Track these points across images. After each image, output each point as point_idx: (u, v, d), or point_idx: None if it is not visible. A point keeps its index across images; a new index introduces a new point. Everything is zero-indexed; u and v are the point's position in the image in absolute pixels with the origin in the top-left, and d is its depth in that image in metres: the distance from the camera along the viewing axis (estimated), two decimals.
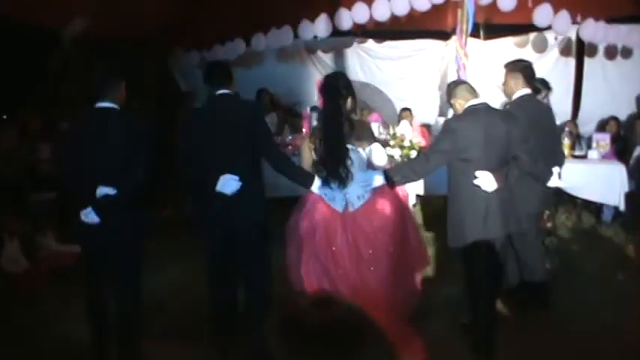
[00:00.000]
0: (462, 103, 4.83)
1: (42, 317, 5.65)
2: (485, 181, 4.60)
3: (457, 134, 4.65)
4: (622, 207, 8.25)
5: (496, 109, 4.94)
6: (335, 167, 4.69)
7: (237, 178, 4.66)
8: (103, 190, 4.36)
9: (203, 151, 4.79)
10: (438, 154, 4.78)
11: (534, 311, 5.45)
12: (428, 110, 10.40)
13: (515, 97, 5.65)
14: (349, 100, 4.78)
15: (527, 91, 5.63)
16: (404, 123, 9.00)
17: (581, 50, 10.24)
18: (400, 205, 4.95)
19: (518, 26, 9.59)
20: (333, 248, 4.70)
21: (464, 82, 5.11)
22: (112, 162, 4.40)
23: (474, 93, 4.86)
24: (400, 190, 5.07)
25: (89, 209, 4.37)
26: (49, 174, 7.78)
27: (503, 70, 5.77)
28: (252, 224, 4.82)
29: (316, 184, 4.76)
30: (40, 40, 8.06)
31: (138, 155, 4.45)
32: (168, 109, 9.54)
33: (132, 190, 4.46)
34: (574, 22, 8.85)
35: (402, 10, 8.49)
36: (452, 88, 5.03)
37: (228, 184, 4.66)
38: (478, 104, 4.77)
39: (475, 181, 4.61)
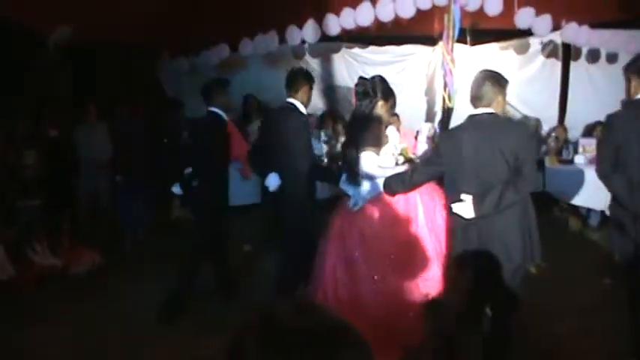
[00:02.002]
0: (471, 107, 4.40)
1: (27, 325, 5.61)
2: (462, 206, 4.18)
3: (440, 149, 4.43)
4: (608, 212, 8.26)
5: (502, 121, 4.35)
6: (349, 165, 4.95)
7: (277, 176, 5.52)
8: (187, 171, 5.89)
9: (263, 150, 5.92)
10: (422, 169, 4.56)
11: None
12: (415, 116, 10.41)
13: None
14: (379, 104, 4.91)
15: None
16: (391, 128, 9.00)
17: (567, 55, 10.28)
18: (396, 217, 4.80)
19: (505, 31, 9.62)
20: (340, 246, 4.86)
21: (485, 81, 4.31)
22: (197, 154, 5.87)
23: (481, 99, 4.26)
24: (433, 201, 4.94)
25: (177, 184, 6.05)
26: (35, 180, 7.75)
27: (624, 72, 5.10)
28: (288, 217, 5.56)
29: (341, 181, 5.06)
30: (26, 47, 8.02)
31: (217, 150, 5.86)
32: (155, 116, 9.52)
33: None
34: (559, 26, 8.90)
35: (387, 16, 8.50)
36: (473, 84, 4.39)
37: (272, 180, 5.55)
38: (479, 114, 4.28)
39: (452, 205, 4.25)
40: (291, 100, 5.61)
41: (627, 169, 4.31)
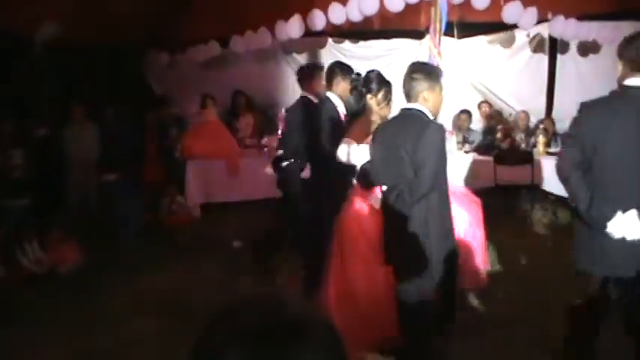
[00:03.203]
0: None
1: (17, 325, 5.58)
2: (376, 197, 4.32)
3: (371, 144, 4.49)
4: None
5: (415, 119, 4.08)
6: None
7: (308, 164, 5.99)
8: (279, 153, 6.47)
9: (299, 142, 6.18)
10: (366, 164, 4.68)
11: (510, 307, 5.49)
12: None
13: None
14: (367, 97, 5.06)
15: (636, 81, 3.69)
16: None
17: (553, 47, 10.31)
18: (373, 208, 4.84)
19: (492, 24, 9.63)
20: None
21: (411, 75, 4.16)
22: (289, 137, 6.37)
23: (408, 94, 4.18)
24: None
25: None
26: (24, 179, 7.70)
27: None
28: (311, 205, 5.89)
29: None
30: (11, 46, 7.96)
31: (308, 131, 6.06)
32: (143, 112, 9.50)
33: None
34: (545, 19, 8.92)
35: (374, 10, 8.49)
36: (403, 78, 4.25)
37: (307, 170, 6.00)
38: (405, 109, 4.21)
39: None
40: (327, 93, 5.90)
41: (593, 172, 3.72)
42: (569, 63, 10.37)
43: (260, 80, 10.97)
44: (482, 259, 5.34)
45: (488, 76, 10.41)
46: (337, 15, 8.82)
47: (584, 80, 10.28)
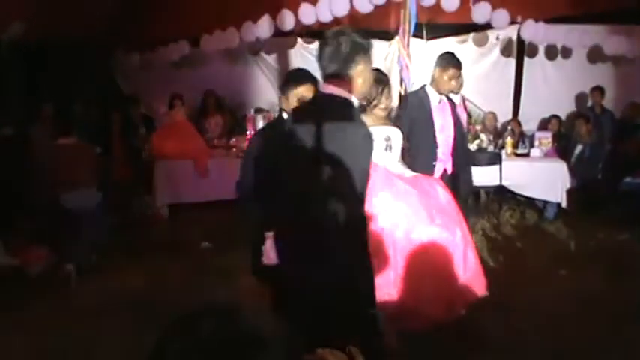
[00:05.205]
0: None
1: None
2: None
3: None
4: (564, 204, 8.41)
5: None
6: None
7: None
8: None
9: None
10: None
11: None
12: None
13: None
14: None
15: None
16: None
17: (521, 50, 10.40)
18: None
19: (461, 26, 9.68)
20: None
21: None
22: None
23: None
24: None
25: None
26: None
27: None
28: None
29: None
30: None
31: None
32: (111, 112, 9.43)
33: None
34: (514, 21, 8.97)
35: (344, 10, 8.48)
36: None
37: None
38: None
39: None
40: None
41: None
42: (536, 66, 10.48)
43: (229, 80, 10.93)
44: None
45: None
46: (307, 15, 8.80)
47: (551, 83, 10.42)
